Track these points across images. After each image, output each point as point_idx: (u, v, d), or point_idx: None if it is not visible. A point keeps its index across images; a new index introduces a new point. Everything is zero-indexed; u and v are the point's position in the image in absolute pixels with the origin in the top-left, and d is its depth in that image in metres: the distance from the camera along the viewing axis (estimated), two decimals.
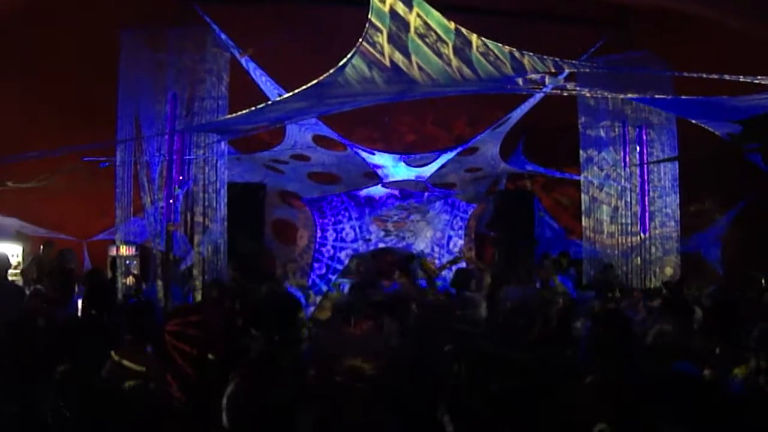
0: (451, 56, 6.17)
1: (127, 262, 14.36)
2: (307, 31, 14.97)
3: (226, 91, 12.83)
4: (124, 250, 14.04)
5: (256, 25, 14.43)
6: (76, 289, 12.43)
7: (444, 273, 16.36)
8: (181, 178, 12.82)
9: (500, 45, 6.10)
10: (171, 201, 12.72)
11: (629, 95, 12.46)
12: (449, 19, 5.96)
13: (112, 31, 12.67)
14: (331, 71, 6.19)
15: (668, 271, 14.67)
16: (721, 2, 11.87)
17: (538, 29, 14.89)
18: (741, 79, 6.38)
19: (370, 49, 5.97)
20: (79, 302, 9.65)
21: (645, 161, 14.77)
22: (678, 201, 14.97)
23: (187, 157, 12.78)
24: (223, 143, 12.88)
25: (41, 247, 15.09)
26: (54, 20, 13.67)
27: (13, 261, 16.04)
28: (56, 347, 6.46)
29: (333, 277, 16.24)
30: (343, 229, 16.94)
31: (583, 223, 15.16)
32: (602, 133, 14.89)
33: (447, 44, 6.04)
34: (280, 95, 11.87)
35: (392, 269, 13.75)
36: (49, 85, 14.67)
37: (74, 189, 16.17)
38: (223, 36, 12.55)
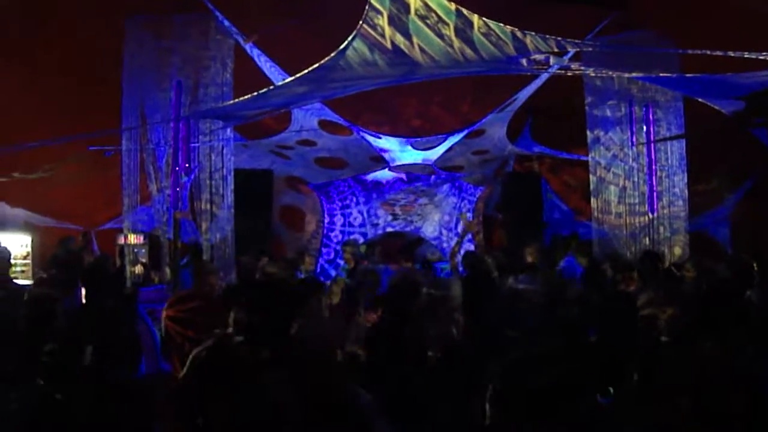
0: (453, 37, 6.16)
1: (135, 250, 14.36)
2: (311, 15, 14.94)
3: (230, 77, 12.80)
4: (132, 239, 14.04)
5: (260, 11, 14.42)
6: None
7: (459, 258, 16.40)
8: (187, 165, 12.81)
9: (502, 25, 6.08)
10: (178, 189, 12.71)
11: (635, 74, 12.42)
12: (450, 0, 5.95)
13: (116, 18, 12.66)
14: (332, 54, 6.20)
15: (677, 250, 14.63)
16: None
17: (540, 9, 14.84)
18: (745, 56, 6.37)
19: (371, 32, 5.96)
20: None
21: (652, 140, 14.73)
22: (686, 180, 14.91)
23: (193, 144, 12.77)
24: (228, 130, 12.87)
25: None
26: (57, 8, 13.67)
27: (23, 251, 16.12)
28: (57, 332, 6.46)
29: (341, 262, 16.23)
30: (350, 213, 16.95)
31: (592, 204, 15.12)
32: (609, 113, 14.83)
33: (448, 25, 6.03)
34: (284, 80, 11.88)
35: (400, 254, 13.77)
36: (54, 74, 14.67)
37: (81, 178, 16.19)
38: (227, 22, 12.53)
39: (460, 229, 17.72)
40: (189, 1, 12.69)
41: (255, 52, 12.84)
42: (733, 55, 6.40)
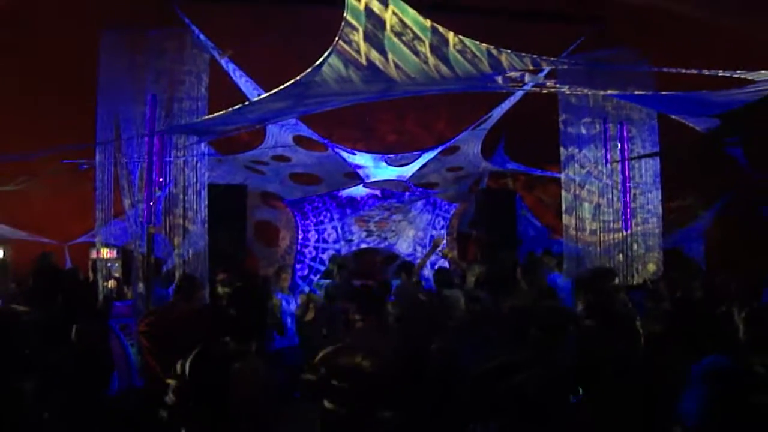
0: (428, 54, 6.16)
1: (109, 264, 14.29)
2: (287, 31, 14.93)
3: (205, 92, 12.78)
4: (105, 253, 13.97)
5: (236, 26, 14.41)
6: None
7: (428, 272, 16.40)
8: (161, 180, 12.77)
9: (477, 43, 6.09)
10: (151, 203, 12.66)
11: (609, 92, 12.47)
12: (426, 17, 5.95)
13: (91, 32, 12.61)
14: (308, 71, 6.18)
15: (651, 267, 14.67)
16: None
17: (517, 27, 14.88)
18: (719, 74, 6.40)
19: (347, 48, 5.95)
20: None
21: (626, 158, 14.78)
22: (660, 197, 14.96)
23: (168, 158, 12.73)
24: (203, 145, 12.84)
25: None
26: (31, 21, 13.60)
27: None
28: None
29: (315, 278, 16.21)
30: (324, 229, 16.96)
31: (564, 221, 15.15)
32: (583, 131, 14.86)
33: (424, 42, 6.03)
34: (260, 96, 11.86)
35: (375, 269, 13.81)
36: (27, 88, 14.59)
37: (54, 192, 16.11)
38: (203, 37, 12.52)
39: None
40: (165, 15, 12.67)
41: (230, 67, 12.84)
42: (707, 73, 6.43)
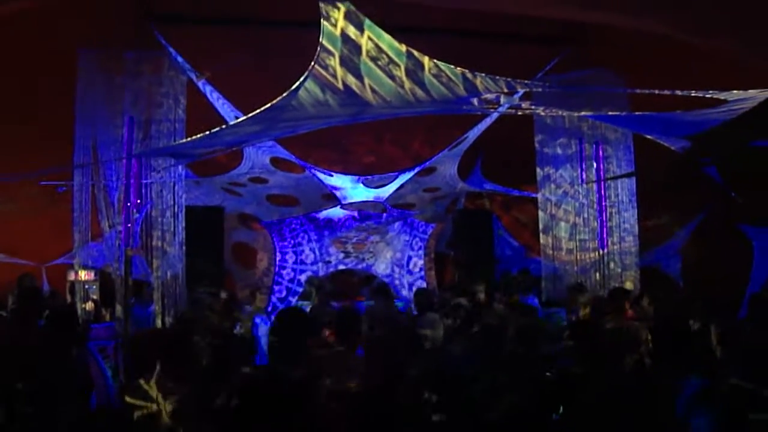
0: (404, 78, 6.22)
1: (86, 286, 14.24)
2: (264, 53, 14.96)
3: (183, 114, 12.79)
4: (83, 275, 13.93)
5: (213, 48, 14.42)
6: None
7: (406, 293, 16.43)
8: (139, 201, 12.76)
9: (452, 66, 6.15)
10: (129, 225, 12.65)
11: (584, 113, 12.54)
12: (404, 40, 6.01)
13: (68, 53, 12.61)
14: (284, 95, 6.22)
15: (628, 285, 14.73)
16: (673, 18, 11.99)
17: (493, 48, 14.95)
18: (692, 94, 6.49)
19: (323, 72, 6.00)
20: None
21: (602, 178, 14.86)
22: (636, 216, 15.05)
23: (145, 180, 12.74)
24: (180, 167, 12.86)
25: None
26: (8, 41, 13.57)
27: None
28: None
29: (293, 300, 16.18)
30: (302, 251, 16.93)
31: (542, 241, 15.23)
32: (559, 151, 14.96)
33: (399, 66, 6.09)
34: (237, 118, 11.88)
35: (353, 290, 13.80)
36: (4, 109, 14.55)
37: (32, 213, 16.07)
38: (180, 59, 12.54)
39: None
40: (142, 36, 12.69)
41: (207, 89, 12.86)
42: (680, 93, 6.52)
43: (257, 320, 12.30)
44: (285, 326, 6.34)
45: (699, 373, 5.85)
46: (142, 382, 5.58)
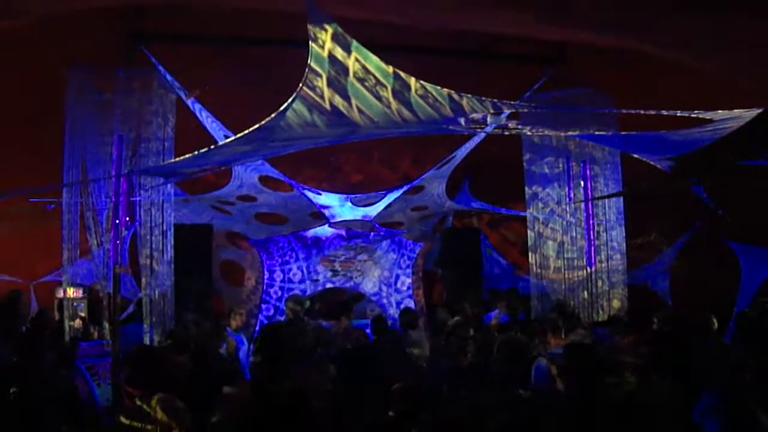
0: (391, 99, 6.25)
1: (75, 304, 14.25)
2: (253, 72, 14.99)
3: (172, 132, 12.83)
4: (71, 292, 13.94)
5: (202, 67, 14.45)
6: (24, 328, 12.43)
7: (393, 312, 16.43)
8: (127, 219, 12.79)
9: (439, 88, 6.19)
10: (118, 243, 12.67)
11: (570, 132, 12.60)
12: (391, 59, 6.05)
13: (59, 71, 12.63)
14: (273, 116, 6.26)
15: (615, 303, 14.78)
16: (658, 37, 12.06)
17: (481, 67, 15.00)
18: (678, 114, 6.53)
19: (311, 93, 6.04)
20: None
21: (589, 196, 14.91)
22: (624, 234, 15.10)
23: (134, 198, 12.76)
24: (169, 185, 12.87)
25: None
26: None
27: None
28: None
29: (281, 319, 16.16)
30: (290, 269, 16.87)
31: (530, 259, 15.26)
32: (546, 170, 15.02)
33: (386, 87, 6.12)
34: (226, 137, 11.90)
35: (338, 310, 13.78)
36: None
37: (20, 230, 16.08)
38: (169, 77, 12.57)
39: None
40: (132, 55, 12.72)
41: (197, 107, 12.87)
42: (665, 113, 6.56)
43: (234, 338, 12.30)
44: (267, 344, 6.36)
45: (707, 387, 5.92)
46: (139, 402, 5.56)
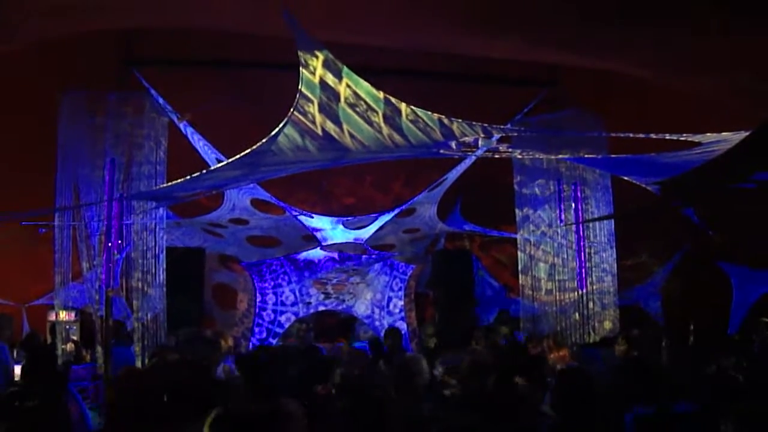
0: (382, 124, 6.29)
1: (67, 327, 14.22)
2: (244, 95, 15.04)
3: (164, 155, 12.84)
4: (63, 316, 13.91)
5: (194, 90, 14.49)
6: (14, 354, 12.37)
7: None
8: (120, 242, 12.78)
9: (429, 113, 6.23)
10: (110, 266, 12.66)
11: (561, 155, 12.64)
12: (384, 83, 6.09)
13: (51, 95, 12.65)
14: (264, 141, 6.29)
15: (607, 325, 14.77)
16: (649, 60, 12.14)
17: (472, 90, 15.07)
18: (667, 137, 6.59)
19: (302, 119, 6.08)
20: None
21: (580, 219, 14.92)
22: (615, 255, 15.08)
23: (126, 222, 12.76)
24: (161, 208, 12.88)
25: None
26: None
27: None
28: None
29: (274, 341, 16.15)
30: (282, 292, 16.86)
31: (521, 281, 15.25)
32: (537, 192, 15.02)
33: (377, 113, 6.16)
34: (218, 160, 11.95)
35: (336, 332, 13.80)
36: None
37: (12, 253, 16.06)
38: (161, 101, 12.60)
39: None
40: (124, 78, 12.76)
41: (188, 131, 12.91)
42: (654, 136, 6.61)
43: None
44: (250, 366, 6.38)
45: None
46: None
